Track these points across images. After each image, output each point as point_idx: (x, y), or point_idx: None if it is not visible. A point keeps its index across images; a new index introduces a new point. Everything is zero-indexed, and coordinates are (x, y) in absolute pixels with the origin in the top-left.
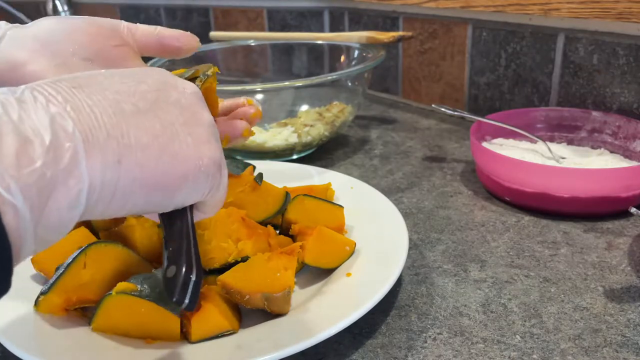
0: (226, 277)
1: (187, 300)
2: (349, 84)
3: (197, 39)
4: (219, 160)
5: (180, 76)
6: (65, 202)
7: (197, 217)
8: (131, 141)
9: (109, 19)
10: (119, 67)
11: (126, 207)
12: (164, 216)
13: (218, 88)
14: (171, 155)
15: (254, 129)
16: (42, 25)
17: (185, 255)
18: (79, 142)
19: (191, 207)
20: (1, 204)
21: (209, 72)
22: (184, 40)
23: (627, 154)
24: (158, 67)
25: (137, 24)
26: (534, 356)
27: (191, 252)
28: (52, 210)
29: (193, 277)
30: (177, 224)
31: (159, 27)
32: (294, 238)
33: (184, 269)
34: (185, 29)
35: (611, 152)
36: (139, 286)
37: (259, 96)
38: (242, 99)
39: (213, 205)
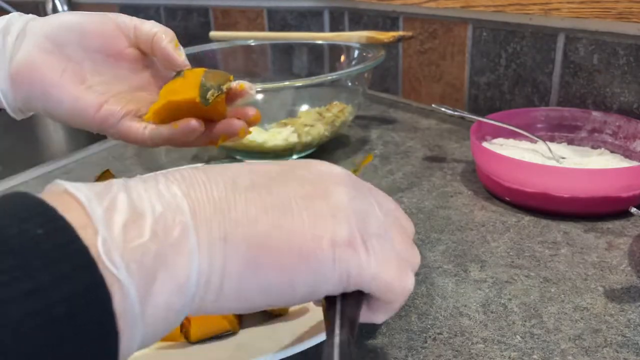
0: None
1: None
2: (349, 84)
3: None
4: (349, 236)
5: (204, 83)
6: (174, 284)
7: (370, 318)
8: (237, 215)
9: (121, 17)
10: (130, 66)
11: (242, 296)
12: (327, 303)
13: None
14: (282, 229)
15: (253, 129)
16: (58, 24)
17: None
18: (188, 217)
19: (353, 302)
20: (109, 284)
21: (224, 87)
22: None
23: (627, 154)
24: None
25: (140, 24)
26: (534, 356)
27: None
28: (160, 293)
29: None
30: (330, 321)
31: (160, 39)
32: None
33: None
34: (185, 29)
35: (611, 152)
36: None
37: (259, 96)
38: (234, 84)
39: (383, 291)
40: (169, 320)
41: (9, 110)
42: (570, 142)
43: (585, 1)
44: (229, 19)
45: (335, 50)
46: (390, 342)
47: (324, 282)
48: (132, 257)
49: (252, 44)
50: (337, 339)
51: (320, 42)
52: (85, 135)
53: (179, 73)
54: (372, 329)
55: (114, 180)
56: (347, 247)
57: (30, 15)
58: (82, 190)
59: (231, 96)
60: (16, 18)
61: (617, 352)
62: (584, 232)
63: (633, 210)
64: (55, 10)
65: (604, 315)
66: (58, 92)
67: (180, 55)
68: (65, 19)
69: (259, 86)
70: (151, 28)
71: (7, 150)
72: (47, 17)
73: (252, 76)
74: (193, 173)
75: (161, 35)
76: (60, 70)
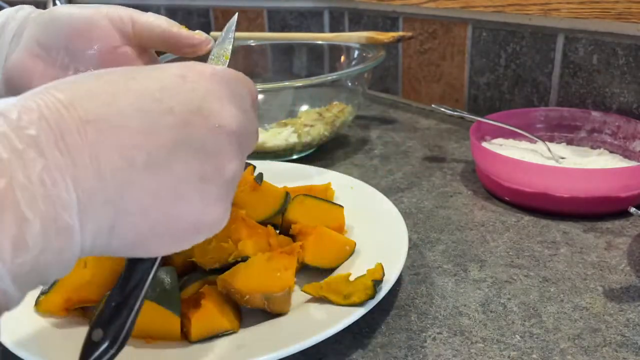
0: (226, 277)
1: None
2: (349, 84)
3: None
4: (222, 220)
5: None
6: (55, 271)
7: None
8: (129, 206)
9: (116, 11)
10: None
11: (103, 253)
12: (130, 261)
13: None
14: (171, 219)
15: None
16: (48, 23)
17: (119, 326)
18: (74, 213)
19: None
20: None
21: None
22: (197, 41)
23: (627, 154)
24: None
25: (138, 16)
26: (534, 356)
27: (127, 322)
28: (39, 279)
29: (112, 351)
30: (137, 274)
31: (163, 22)
32: (294, 238)
33: (107, 343)
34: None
35: (611, 152)
36: None
37: (259, 96)
38: (175, 28)
39: None
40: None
41: None
42: (570, 142)
43: (585, 1)
44: (229, 19)
45: (335, 50)
46: (390, 341)
47: (182, 250)
48: (17, 272)
49: (252, 44)
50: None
51: (320, 42)
52: None
53: None
54: (372, 329)
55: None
56: (218, 227)
57: (27, 10)
58: None
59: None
60: (12, 16)
61: (616, 352)
62: (583, 232)
63: (632, 210)
64: None
65: (603, 315)
66: None
67: (199, 34)
68: (55, 15)
69: (259, 86)
70: (153, 20)
71: None
72: (40, 13)
73: (252, 76)
74: (81, 136)
75: (168, 26)
76: (48, 76)
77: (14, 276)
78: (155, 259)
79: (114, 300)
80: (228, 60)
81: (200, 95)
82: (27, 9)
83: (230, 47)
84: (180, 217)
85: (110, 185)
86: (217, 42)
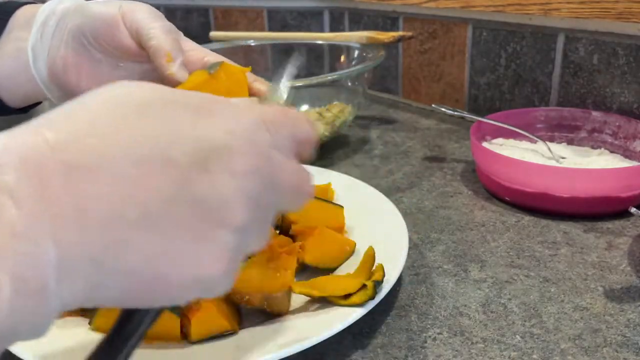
0: None
1: None
2: (349, 84)
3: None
4: (223, 278)
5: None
6: (25, 333)
7: None
8: (116, 266)
9: (126, 16)
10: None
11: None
12: (124, 310)
13: None
14: (159, 279)
15: None
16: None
17: None
18: (51, 273)
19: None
20: None
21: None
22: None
23: (627, 154)
24: None
25: (139, 30)
26: (534, 356)
27: None
28: (6, 341)
29: None
30: (132, 324)
31: (156, 55)
32: (294, 238)
33: None
34: (185, 29)
35: (611, 152)
36: None
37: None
38: (159, 59)
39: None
40: None
41: (56, 102)
42: (570, 142)
43: (585, 1)
44: (229, 19)
45: (335, 50)
46: (390, 342)
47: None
48: None
49: (252, 44)
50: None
51: (320, 42)
52: None
53: (211, 67)
54: (372, 329)
55: None
56: (215, 287)
57: (66, 4)
58: None
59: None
60: (52, 9)
61: (617, 352)
62: (583, 232)
63: (633, 210)
64: None
65: (604, 315)
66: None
67: (171, 74)
68: (89, 10)
69: None
70: (149, 39)
71: None
72: (78, 7)
73: None
74: (66, 186)
75: (157, 51)
76: (90, 71)
77: None
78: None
79: (101, 351)
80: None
81: (210, 135)
82: (66, 2)
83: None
84: (169, 276)
85: (97, 242)
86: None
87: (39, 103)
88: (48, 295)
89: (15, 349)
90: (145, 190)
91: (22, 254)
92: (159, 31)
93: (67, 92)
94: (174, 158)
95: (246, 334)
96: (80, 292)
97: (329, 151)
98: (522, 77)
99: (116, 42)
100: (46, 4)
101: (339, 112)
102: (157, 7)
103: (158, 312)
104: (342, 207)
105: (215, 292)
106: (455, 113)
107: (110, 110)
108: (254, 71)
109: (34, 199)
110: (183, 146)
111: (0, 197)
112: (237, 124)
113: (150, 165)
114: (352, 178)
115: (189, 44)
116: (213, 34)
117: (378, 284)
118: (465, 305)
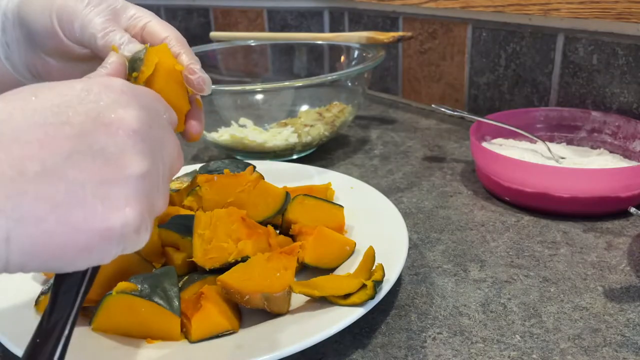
0: (226, 277)
1: None
2: (349, 84)
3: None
4: (139, 224)
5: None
6: None
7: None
8: (23, 214)
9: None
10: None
11: (25, 270)
12: (55, 279)
13: (219, 88)
14: (71, 227)
15: (254, 129)
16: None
17: (49, 355)
18: None
19: (95, 267)
20: None
21: (141, 56)
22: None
23: (627, 154)
24: None
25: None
26: (534, 356)
27: (56, 349)
28: None
29: None
30: (65, 295)
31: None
32: (294, 238)
33: None
34: (186, 29)
35: (611, 152)
36: (139, 286)
37: (259, 96)
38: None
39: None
40: None
41: (15, 75)
42: (570, 142)
43: (585, 1)
44: (229, 19)
45: (335, 50)
46: (390, 341)
47: (101, 261)
48: None
49: (252, 44)
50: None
51: (320, 42)
52: None
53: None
54: (372, 329)
55: None
56: (133, 234)
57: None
58: None
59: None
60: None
61: (617, 352)
62: (583, 232)
63: (632, 210)
64: None
65: (603, 315)
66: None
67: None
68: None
69: (259, 86)
70: (103, 46)
71: None
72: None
73: (252, 76)
74: None
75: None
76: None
77: None
78: (81, 274)
79: (43, 323)
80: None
81: (103, 105)
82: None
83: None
84: (82, 224)
85: (0, 195)
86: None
87: None
88: None
89: (15, 348)
90: (43, 149)
91: None
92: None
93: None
94: (70, 119)
95: (246, 334)
96: None
97: (329, 151)
98: (522, 77)
99: (60, 48)
100: None
101: (339, 112)
102: (158, 8)
103: (81, 278)
104: (342, 207)
105: (133, 244)
106: (455, 113)
107: (15, 94)
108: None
109: None
110: (78, 107)
111: None
112: (127, 91)
113: (48, 128)
114: (352, 178)
115: (130, 12)
116: (213, 34)
117: (378, 283)
118: (465, 305)
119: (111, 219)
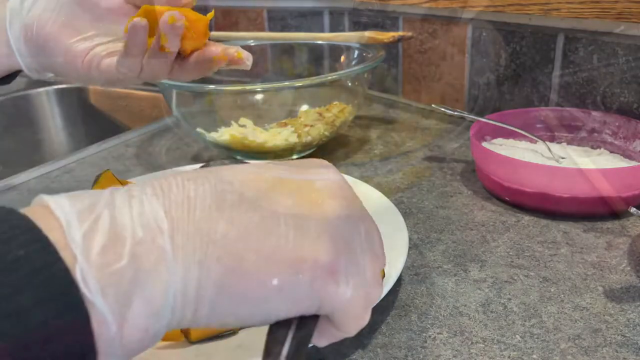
0: None
1: None
2: (349, 84)
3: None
4: (334, 265)
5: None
6: (149, 309)
7: (335, 336)
8: (217, 237)
9: None
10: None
11: (216, 320)
12: (269, 329)
13: (219, 88)
14: (260, 255)
15: (253, 129)
16: None
17: None
18: (167, 240)
19: (309, 322)
20: (89, 306)
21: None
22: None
23: (627, 154)
24: None
25: None
26: (534, 356)
27: None
28: (135, 317)
29: None
30: (278, 343)
31: None
32: None
33: None
34: None
35: (611, 152)
36: None
37: (259, 96)
38: (233, 49)
39: (345, 322)
40: (144, 343)
41: (25, 70)
42: (570, 142)
43: (585, 1)
44: (229, 19)
45: (335, 50)
46: (390, 341)
47: (295, 307)
48: (108, 282)
49: (252, 44)
50: None
51: (320, 42)
52: (85, 135)
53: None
54: (372, 329)
55: (103, 194)
56: (327, 275)
57: None
58: (64, 209)
59: (228, 61)
60: None
61: (617, 352)
62: (583, 232)
63: (632, 210)
64: None
65: (604, 315)
66: (54, 45)
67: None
68: None
69: (259, 86)
70: None
71: (7, 150)
72: None
73: (252, 76)
74: (183, 185)
75: None
76: (60, 26)
77: (103, 287)
78: (287, 323)
79: None
80: None
81: (306, 169)
82: None
83: None
84: (271, 256)
85: (198, 219)
86: None
87: (17, 73)
88: (166, 260)
89: None
90: (244, 183)
91: (149, 224)
92: None
93: (38, 60)
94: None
95: (246, 334)
96: (187, 270)
97: (329, 151)
98: (522, 77)
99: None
100: None
101: (339, 112)
102: None
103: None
104: None
105: (322, 271)
106: (455, 113)
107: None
108: (254, 71)
109: (160, 191)
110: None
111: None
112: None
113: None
114: (352, 178)
115: None
116: (213, 34)
117: None
118: (465, 305)
119: (304, 248)
